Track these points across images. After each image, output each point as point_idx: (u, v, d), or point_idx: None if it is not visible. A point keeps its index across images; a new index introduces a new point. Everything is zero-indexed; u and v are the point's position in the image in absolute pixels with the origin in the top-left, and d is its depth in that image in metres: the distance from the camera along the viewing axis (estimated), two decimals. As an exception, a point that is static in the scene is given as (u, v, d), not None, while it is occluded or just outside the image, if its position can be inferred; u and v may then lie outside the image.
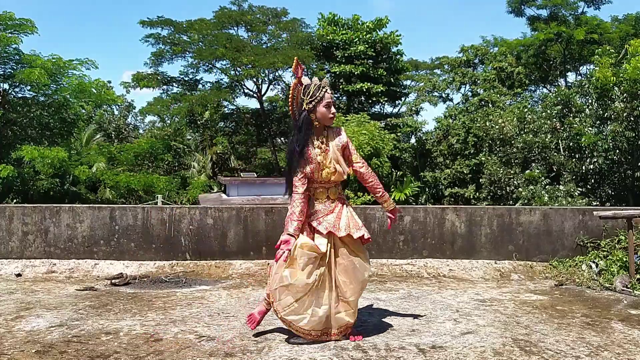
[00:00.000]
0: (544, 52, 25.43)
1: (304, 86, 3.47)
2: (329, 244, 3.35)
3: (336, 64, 23.19)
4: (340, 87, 23.32)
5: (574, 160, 13.96)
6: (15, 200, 15.10)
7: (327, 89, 3.42)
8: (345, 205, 3.51)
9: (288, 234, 3.25)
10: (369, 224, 6.04)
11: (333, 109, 3.45)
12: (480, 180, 16.54)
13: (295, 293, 3.23)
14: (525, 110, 16.91)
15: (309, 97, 3.38)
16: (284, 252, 3.19)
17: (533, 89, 28.79)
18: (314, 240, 3.36)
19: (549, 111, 15.45)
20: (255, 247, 6.04)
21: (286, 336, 3.47)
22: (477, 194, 17.57)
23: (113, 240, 5.95)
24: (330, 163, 3.43)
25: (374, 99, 23.66)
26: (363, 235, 3.45)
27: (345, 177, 3.52)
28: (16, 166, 14.82)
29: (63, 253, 5.89)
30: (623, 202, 13.05)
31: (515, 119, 16.28)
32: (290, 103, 3.53)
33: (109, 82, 25.65)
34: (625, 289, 5.01)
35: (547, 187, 13.43)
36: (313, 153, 3.40)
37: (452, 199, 19.15)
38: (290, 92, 3.51)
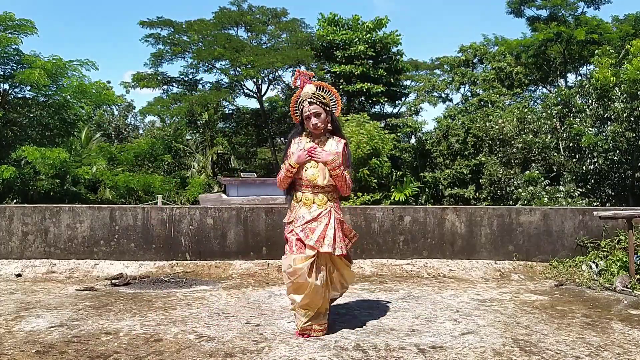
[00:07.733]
0: (544, 53, 25.39)
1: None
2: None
3: (336, 64, 23.18)
4: (341, 87, 23.30)
5: (574, 160, 13.95)
6: (15, 201, 15.09)
7: (307, 101, 3.54)
8: (333, 216, 3.52)
9: (289, 164, 3.51)
10: (369, 224, 6.05)
11: (313, 120, 3.52)
12: (480, 180, 16.52)
13: (314, 299, 3.45)
14: (525, 110, 16.88)
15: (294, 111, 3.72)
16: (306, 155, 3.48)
17: (533, 89, 28.77)
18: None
19: (549, 111, 15.44)
20: (256, 247, 6.04)
21: (285, 336, 3.47)
22: (477, 194, 17.55)
23: (113, 240, 5.95)
24: (318, 165, 3.52)
25: (374, 99, 23.64)
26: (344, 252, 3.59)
27: (327, 181, 3.52)
28: (16, 166, 14.80)
29: (63, 253, 5.90)
30: (623, 202, 13.04)
31: (515, 119, 16.26)
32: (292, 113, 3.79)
33: (109, 82, 25.60)
34: (625, 289, 5.01)
35: (546, 188, 13.41)
36: (295, 149, 3.59)
37: (452, 200, 19.14)
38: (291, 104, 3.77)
